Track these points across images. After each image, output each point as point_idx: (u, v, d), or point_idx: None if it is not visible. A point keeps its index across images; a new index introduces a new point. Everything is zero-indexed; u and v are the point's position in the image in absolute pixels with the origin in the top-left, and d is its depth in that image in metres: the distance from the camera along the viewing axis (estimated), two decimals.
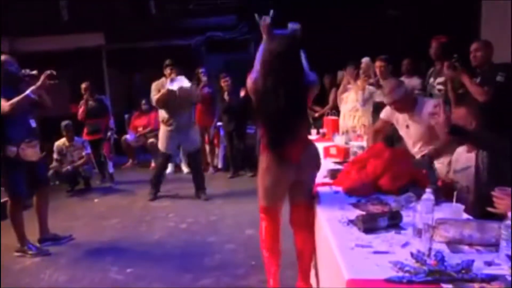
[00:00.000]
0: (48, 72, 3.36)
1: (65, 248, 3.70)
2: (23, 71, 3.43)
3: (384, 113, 3.18)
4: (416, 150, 2.87)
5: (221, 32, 8.79)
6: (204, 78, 5.84)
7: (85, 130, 6.24)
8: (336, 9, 7.13)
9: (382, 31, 6.87)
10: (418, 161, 2.40)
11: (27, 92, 3.27)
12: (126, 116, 8.16)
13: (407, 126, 2.91)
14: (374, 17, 7.12)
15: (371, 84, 4.46)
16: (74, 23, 8.85)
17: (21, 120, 3.44)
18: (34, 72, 3.41)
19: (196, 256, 3.39)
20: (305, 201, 2.36)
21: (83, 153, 5.73)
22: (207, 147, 6.44)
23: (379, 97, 4.09)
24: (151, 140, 6.95)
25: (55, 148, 5.72)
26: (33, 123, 3.57)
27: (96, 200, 5.35)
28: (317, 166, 2.40)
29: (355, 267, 1.42)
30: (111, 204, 5.10)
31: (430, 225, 1.52)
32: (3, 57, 3.47)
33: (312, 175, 2.40)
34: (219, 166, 6.55)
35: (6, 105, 3.26)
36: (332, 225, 1.84)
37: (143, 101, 7.28)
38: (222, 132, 6.40)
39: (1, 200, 4.81)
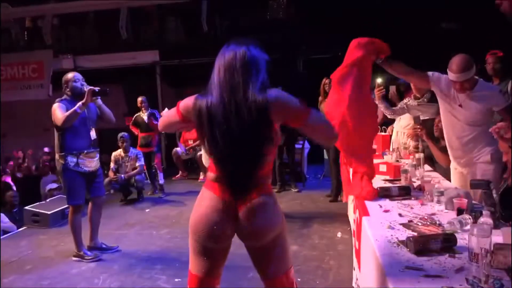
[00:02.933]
0: (90, 88, 3.50)
1: (119, 255, 3.85)
2: (85, 87, 3.57)
3: (436, 77, 2.79)
4: (464, 134, 2.72)
5: (271, 48, 8.90)
6: None
7: (138, 143, 6.53)
8: (385, 22, 7.01)
9: (435, 45, 6.66)
10: (475, 182, 2.28)
11: (75, 107, 3.42)
12: None
13: (460, 105, 2.70)
14: (427, 30, 6.93)
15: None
16: (132, 42, 9.39)
17: (82, 132, 3.61)
18: (97, 88, 3.55)
19: (241, 269, 3.38)
20: (276, 279, 1.77)
21: (137, 164, 6.00)
22: None
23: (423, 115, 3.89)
24: (200, 152, 7.14)
25: (112, 157, 6.04)
26: (93, 135, 3.72)
27: (147, 210, 5.56)
28: (273, 228, 1.68)
29: None
30: (161, 214, 5.27)
31: (487, 250, 1.45)
32: (70, 74, 3.69)
33: (275, 240, 1.72)
34: None
35: (59, 119, 3.45)
36: (381, 245, 1.79)
37: None
38: None
39: (62, 207, 5.15)
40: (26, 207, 5.11)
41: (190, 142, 7.49)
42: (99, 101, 3.68)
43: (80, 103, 3.43)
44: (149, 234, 4.53)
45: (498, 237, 1.64)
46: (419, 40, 6.67)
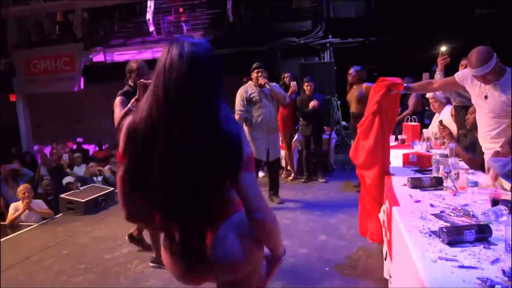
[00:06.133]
0: (140, 81, 3.01)
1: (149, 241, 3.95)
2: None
3: (460, 75, 2.83)
4: (491, 127, 2.65)
5: (296, 37, 8.86)
6: (293, 83, 5.64)
7: None
8: (417, 9, 6.83)
9: (469, 31, 6.45)
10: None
11: (129, 105, 3.03)
12: None
13: (486, 97, 2.62)
14: (460, 17, 6.71)
15: None
16: (157, 34, 9.52)
17: None
18: (149, 81, 3.09)
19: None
20: None
21: None
22: (284, 153, 6.46)
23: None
24: None
25: None
26: None
27: None
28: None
29: (439, 281, 1.36)
30: None
31: None
32: (135, 64, 3.34)
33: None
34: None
35: (115, 119, 3.11)
36: (412, 236, 1.78)
37: None
38: (299, 137, 6.41)
39: (95, 196, 5.32)
40: (62, 195, 5.33)
41: None
42: None
43: (133, 99, 3.04)
44: None
45: None
46: (454, 25, 6.46)
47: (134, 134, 1.26)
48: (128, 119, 1.29)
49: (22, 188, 5.02)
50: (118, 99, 3.21)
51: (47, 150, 10.14)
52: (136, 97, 3.04)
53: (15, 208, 5.00)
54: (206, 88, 1.24)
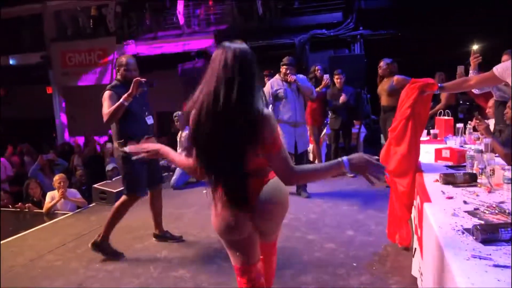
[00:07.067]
0: (136, 79, 3.22)
1: (178, 233, 4.02)
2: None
3: (501, 69, 2.63)
4: None
5: (326, 29, 8.74)
6: (326, 76, 5.57)
7: None
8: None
9: (506, 16, 6.16)
10: None
11: (121, 100, 3.19)
12: None
13: None
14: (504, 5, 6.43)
15: None
16: (187, 27, 9.62)
17: (139, 117, 3.41)
18: (144, 79, 3.26)
19: (295, 252, 3.45)
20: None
21: None
22: (312, 146, 6.41)
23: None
24: None
25: (178, 137, 6.21)
26: (149, 120, 3.51)
27: (204, 191, 5.71)
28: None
29: (472, 279, 1.32)
30: None
31: None
32: (124, 59, 3.45)
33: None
34: None
35: (104, 114, 3.24)
36: (444, 232, 1.74)
37: None
38: (328, 131, 6.34)
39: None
40: (95, 185, 5.51)
41: None
42: None
43: (125, 95, 3.20)
44: (207, 214, 4.67)
45: None
46: (496, 16, 6.20)
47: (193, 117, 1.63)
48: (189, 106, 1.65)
49: (57, 177, 5.22)
50: (106, 93, 3.31)
51: (81, 141, 10.48)
52: (129, 92, 3.19)
53: (51, 197, 5.21)
54: (249, 83, 1.58)
